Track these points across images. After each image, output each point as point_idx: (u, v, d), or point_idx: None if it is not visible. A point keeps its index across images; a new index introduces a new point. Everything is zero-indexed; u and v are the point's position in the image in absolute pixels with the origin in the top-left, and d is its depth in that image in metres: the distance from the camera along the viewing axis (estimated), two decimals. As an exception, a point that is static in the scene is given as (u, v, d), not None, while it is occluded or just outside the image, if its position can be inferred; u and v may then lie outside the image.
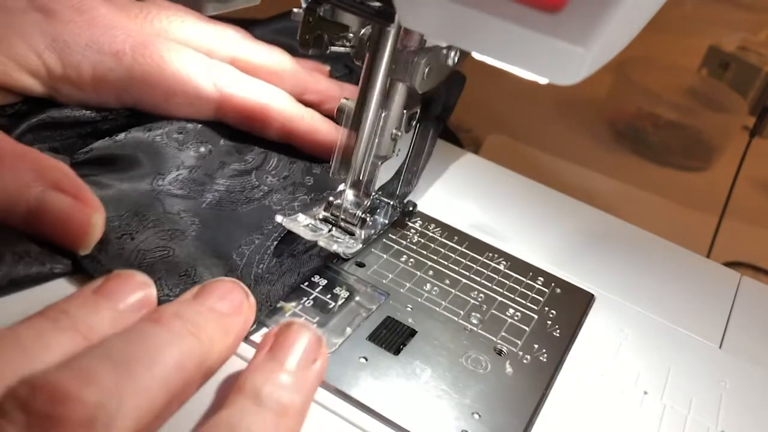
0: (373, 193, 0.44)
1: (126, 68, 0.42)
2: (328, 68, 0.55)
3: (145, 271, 0.32)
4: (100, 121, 0.43)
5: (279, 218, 0.40)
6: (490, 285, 0.43)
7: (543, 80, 0.28)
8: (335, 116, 0.42)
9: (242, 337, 0.32)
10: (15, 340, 0.26)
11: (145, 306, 0.30)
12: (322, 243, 0.41)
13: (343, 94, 0.49)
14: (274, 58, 0.50)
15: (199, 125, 0.45)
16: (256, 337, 0.34)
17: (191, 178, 0.42)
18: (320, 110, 0.49)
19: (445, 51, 0.41)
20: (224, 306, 0.31)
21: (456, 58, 0.42)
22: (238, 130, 0.47)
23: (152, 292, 0.31)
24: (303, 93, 0.50)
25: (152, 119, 0.44)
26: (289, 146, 0.47)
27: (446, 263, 0.44)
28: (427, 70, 0.40)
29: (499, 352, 0.38)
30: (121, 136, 0.42)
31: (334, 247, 0.40)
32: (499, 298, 0.42)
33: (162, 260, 0.36)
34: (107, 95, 0.42)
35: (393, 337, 0.37)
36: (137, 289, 0.30)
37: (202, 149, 0.44)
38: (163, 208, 0.39)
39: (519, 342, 0.39)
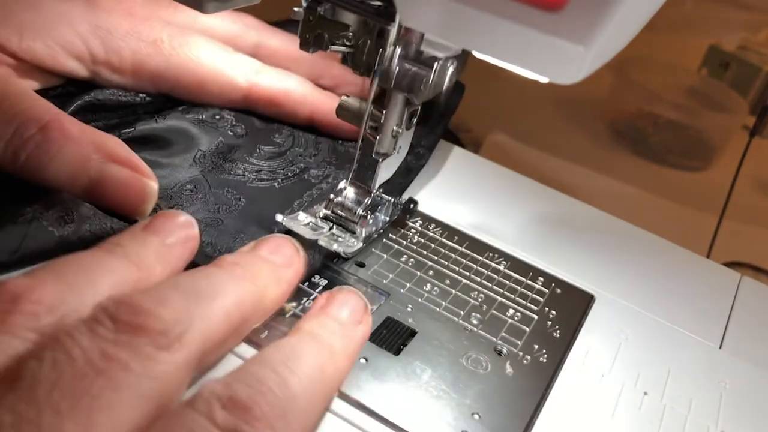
0: (374, 191, 0.43)
1: (164, 56, 0.46)
2: (340, 55, 0.57)
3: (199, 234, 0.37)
4: (140, 104, 0.46)
5: (279, 217, 0.41)
6: (490, 285, 0.43)
7: (543, 79, 0.28)
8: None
9: (293, 286, 0.36)
10: (80, 264, 0.30)
11: (188, 240, 0.35)
12: (322, 242, 0.41)
13: (356, 79, 0.51)
14: (292, 45, 0.52)
15: (233, 111, 0.49)
16: (257, 338, 0.34)
17: (232, 158, 0.46)
18: (335, 94, 0.52)
19: (442, 62, 0.41)
20: (277, 258, 0.35)
21: (455, 69, 0.41)
22: (265, 116, 0.50)
23: (195, 231, 0.35)
24: (319, 78, 0.53)
25: (189, 105, 0.48)
26: (312, 128, 0.51)
27: (446, 263, 0.44)
28: (424, 80, 0.40)
29: (499, 353, 0.38)
30: (162, 117, 0.45)
31: (335, 246, 0.40)
32: (499, 299, 0.42)
33: (213, 227, 0.40)
34: (144, 81, 0.46)
35: (393, 337, 0.37)
36: (180, 227, 0.34)
37: (239, 130, 0.48)
38: (209, 185, 0.43)
39: (519, 342, 0.39)
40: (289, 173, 0.46)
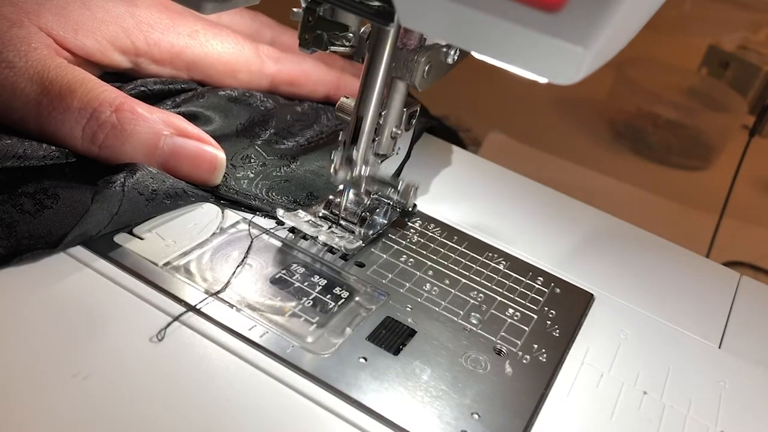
0: (374, 193, 0.44)
1: (199, 47, 0.50)
2: None
3: (268, 190, 0.44)
4: (179, 90, 0.49)
5: (280, 212, 0.41)
6: (489, 285, 0.43)
7: (542, 80, 0.28)
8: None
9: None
10: None
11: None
12: (323, 237, 0.41)
13: (356, 72, 0.55)
14: None
15: (259, 91, 0.53)
16: (256, 338, 0.35)
17: (271, 130, 0.50)
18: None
19: (444, 49, 0.41)
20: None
21: (455, 57, 0.42)
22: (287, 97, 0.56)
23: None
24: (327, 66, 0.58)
25: (219, 87, 0.52)
26: (328, 103, 0.57)
27: (446, 263, 0.44)
28: (427, 68, 0.40)
29: (499, 352, 0.38)
30: (200, 97, 0.49)
31: (336, 241, 0.41)
32: (499, 298, 0.42)
33: (282, 183, 0.45)
34: (180, 70, 0.50)
35: (392, 337, 0.37)
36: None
37: (268, 104, 0.52)
38: (263, 154, 0.48)
39: (518, 342, 0.39)
40: (322, 136, 0.52)
